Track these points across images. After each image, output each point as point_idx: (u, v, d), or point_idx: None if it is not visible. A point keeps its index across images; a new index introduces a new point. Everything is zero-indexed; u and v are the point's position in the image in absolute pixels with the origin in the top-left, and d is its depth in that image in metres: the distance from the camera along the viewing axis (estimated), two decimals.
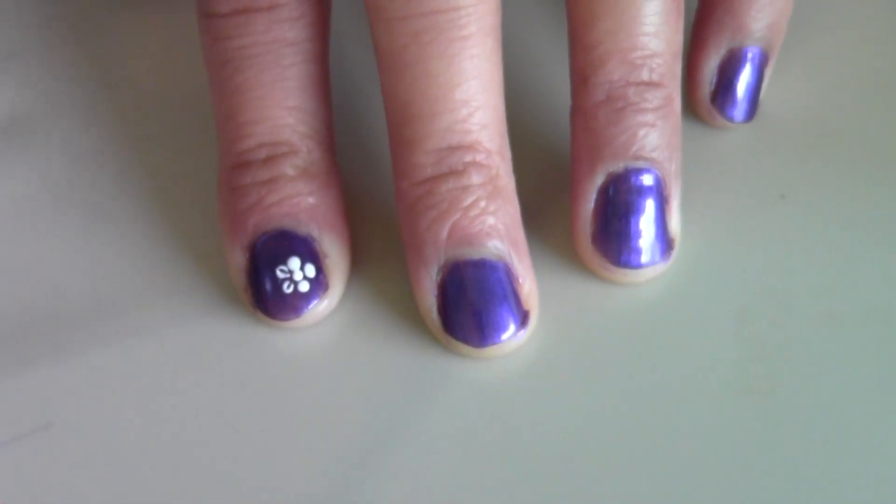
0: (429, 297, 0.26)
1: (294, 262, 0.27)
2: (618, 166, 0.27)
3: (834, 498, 0.24)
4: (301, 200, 0.27)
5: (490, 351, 0.26)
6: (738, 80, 0.30)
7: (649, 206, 0.27)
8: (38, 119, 0.33)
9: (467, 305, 0.26)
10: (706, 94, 0.30)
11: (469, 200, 0.26)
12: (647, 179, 0.27)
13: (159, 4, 0.35)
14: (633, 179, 0.27)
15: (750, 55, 0.30)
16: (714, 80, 0.30)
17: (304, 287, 0.27)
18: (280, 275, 0.27)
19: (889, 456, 0.25)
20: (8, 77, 0.34)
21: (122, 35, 0.35)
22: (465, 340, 0.26)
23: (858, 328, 0.26)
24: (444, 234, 0.26)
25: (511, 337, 0.26)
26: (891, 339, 0.26)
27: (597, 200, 0.27)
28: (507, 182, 0.27)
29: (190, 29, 0.30)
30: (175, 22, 0.34)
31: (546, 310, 0.27)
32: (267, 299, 0.27)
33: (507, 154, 0.27)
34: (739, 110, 0.30)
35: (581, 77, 0.27)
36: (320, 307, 0.27)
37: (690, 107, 0.30)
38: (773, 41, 0.30)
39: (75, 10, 0.35)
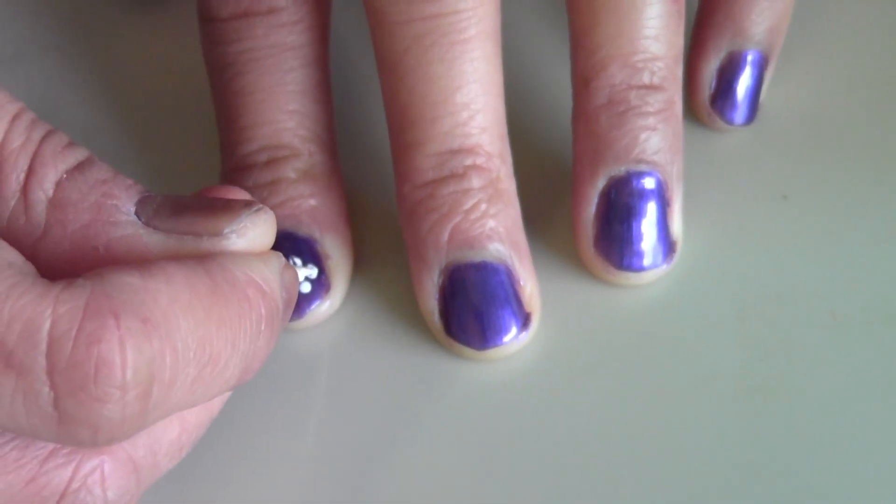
0: (430, 299, 0.27)
1: (296, 264, 0.27)
2: (619, 170, 0.27)
3: (834, 497, 0.24)
4: (302, 202, 0.27)
5: (492, 353, 0.26)
6: (737, 83, 0.30)
7: (651, 209, 0.27)
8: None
9: (469, 308, 0.26)
10: (706, 97, 0.30)
11: (470, 203, 0.26)
12: (649, 183, 0.27)
13: (161, 7, 0.35)
14: (634, 183, 0.27)
15: (750, 58, 0.30)
16: (714, 84, 0.30)
17: (306, 288, 0.27)
18: None
19: (890, 455, 0.25)
20: (11, 78, 0.34)
21: (124, 38, 0.35)
22: (467, 343, 0.26)
23: (860, 328, 0.26)
24: (445, 237, 0.26)
25: (513, 339, 0.26)
26: (893, 340, 0.26)
27: (598, 204, 0.27)
28: (508, 185, 0.27)
29: (191, 32, 0.30)
30: (177, 25, 0.34)
31: (548, 312, 0.27)
32: None
33: (508, 157, 0.27)
34: (739, 113, 0.30)
35: (582, 80, 0.27)
36: (322, 308, 0.27)
37: (690, 110, 0.30)
38: (772, 44, 0.30)
39: (78, 13, 0.35)
